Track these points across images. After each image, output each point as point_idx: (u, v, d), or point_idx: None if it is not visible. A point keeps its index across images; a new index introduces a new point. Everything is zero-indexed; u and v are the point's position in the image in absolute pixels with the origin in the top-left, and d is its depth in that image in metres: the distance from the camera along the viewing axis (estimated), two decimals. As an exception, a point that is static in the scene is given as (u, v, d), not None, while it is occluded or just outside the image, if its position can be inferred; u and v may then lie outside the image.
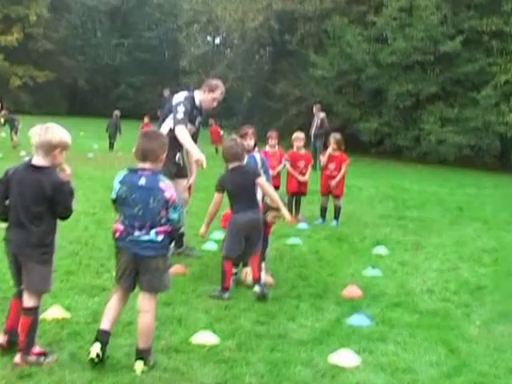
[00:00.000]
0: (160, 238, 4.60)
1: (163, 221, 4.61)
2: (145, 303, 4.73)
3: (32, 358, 4.65)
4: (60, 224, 4.68)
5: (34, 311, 4.64)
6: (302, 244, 9.49)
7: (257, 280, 6.71)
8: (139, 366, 4.62)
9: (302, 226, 10.87)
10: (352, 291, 7.03)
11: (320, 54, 30.46)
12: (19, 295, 4.75)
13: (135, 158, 4.75)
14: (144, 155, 4.63)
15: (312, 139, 21.51)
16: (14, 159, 18.61)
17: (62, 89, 56.65)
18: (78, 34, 56.85)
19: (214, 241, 9.08)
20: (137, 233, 4.57)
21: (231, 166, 6.80)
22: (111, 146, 24.84)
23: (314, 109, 22.83)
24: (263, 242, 7.11)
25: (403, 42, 26.99)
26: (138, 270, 4.70)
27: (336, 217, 11.40)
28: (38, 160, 4.53)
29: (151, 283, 4.70)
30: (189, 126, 7.80)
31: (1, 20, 51.79)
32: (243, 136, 8.18)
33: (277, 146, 11.47)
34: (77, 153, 18.82)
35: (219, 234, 9.12)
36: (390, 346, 5.53)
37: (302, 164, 11.50)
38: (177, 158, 7.97)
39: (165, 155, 4.79)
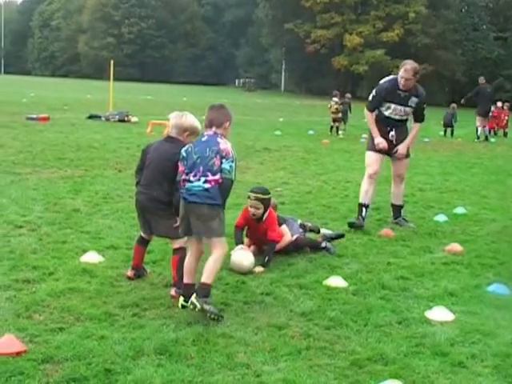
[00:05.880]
0: (207, 185, 4.81)
1: (215, 169, 4.82)
2: (210, 247, 4.93)
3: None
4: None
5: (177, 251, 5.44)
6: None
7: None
8: (192, 298, 4.75)
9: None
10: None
11: None
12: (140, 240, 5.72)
13: (204, 129, 5.18)
14: (210, 123, 5.03)
15: None
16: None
17: (440, 81, 56.76)
18: (456, 28, 56.13)
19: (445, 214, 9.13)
20: (192, 178, 4.86)
21: None
22: (445, 132, 24.73)
23: None
24: None
25: None
26: (188, 216, 4.93)
27: None
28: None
29: (199, 228, 4.89)
30: (393, 105, 7.98)
31: (383, 18, 54.20)
32: None
33: None
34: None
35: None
36: (498, 313, 5.25)
37: None
38: (390, 135, 8.13)
39: (229, 124, 5.06)
